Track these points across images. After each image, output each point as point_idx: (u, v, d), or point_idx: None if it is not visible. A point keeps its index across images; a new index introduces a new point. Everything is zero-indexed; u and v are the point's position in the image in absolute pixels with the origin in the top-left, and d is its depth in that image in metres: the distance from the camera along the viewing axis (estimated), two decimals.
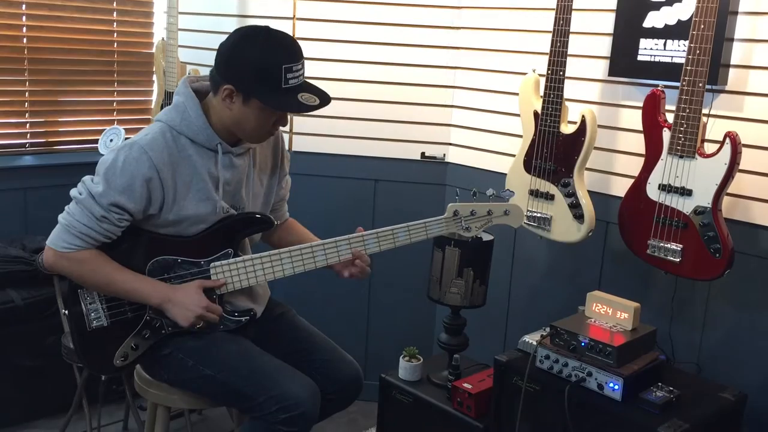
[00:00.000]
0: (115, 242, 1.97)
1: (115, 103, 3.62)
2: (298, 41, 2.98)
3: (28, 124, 3.36)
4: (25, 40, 3.26)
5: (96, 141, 3.50)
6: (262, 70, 1.88)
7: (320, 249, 2.04)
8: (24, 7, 3.25)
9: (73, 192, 1.94)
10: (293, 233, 2.28)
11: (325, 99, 1.96)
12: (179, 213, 1.96)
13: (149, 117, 3.64)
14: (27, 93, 3.32)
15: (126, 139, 3.44)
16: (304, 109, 1.92)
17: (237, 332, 2.08)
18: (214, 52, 2.04)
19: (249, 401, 1.94)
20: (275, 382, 1.94)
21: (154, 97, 3.66)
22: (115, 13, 3.50)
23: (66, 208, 1.95)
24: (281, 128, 2.06)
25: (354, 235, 2.05)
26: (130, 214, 1.92)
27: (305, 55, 3.15)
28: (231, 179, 2.03)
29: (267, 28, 1.94)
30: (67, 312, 2.03)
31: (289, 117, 2.03)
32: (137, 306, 2.01)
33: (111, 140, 3.51)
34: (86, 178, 1.95)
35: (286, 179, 2.28)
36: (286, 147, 2.26)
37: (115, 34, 3.51)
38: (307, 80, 1.97)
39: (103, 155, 2.12)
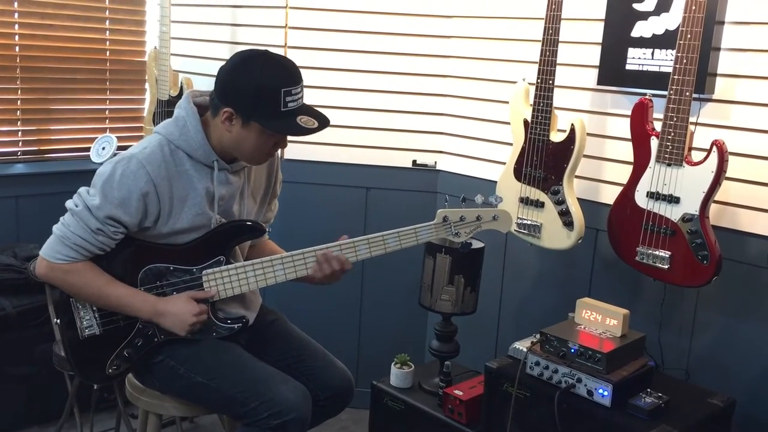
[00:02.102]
0: (108, 251, 1.97)
1: (107, 112, 3.62)
2: (289, 49, 3.01)
3: (20, 132, 3.36)
4: (17, 48, 3.26)
5: (88, 149, 3.51)
6: (261, 94, 1.89)
7: (311, 255, 2.05)
8: (16, 15, 3.25)
9: (69, 203, 1.94)
10: (265, 248, 2.27)
11: (324, 121, 1.97)
12: (173, 226, 1.97)
13: (141, 125, 3.64)
14: (19, 101, 3.33)
15: (118, 147, 3.45)
16: (303, 132, 1.93)
17: (229, 339, 2.08)
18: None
19: (241, 407, 1.94)
20: (267, 387, 1.94)
21: (146, 106, 3.67)
22: (107, 21, 3.51)
23: (61, 219, 1.94)
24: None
25: (345, 241, 2.07)
26: (126, 227, 1.93)
27: (296, 63, 3.16)
28: (225, 195, 2.04)
29: (266, 51, 1.96)
30: (58, 321, 2.02)
31: (288, 139, 2.03)
32: (130, 316, 2.01)
33: (103, 148, 3.51)
34: (82, 190, 1.95)
35: (275, 202, 2.29)
36: (280, 167, 2.26)
37: (108, 43, 3.52)
38: (306, 103, 1.98)
39: (95, 163, 2.12)
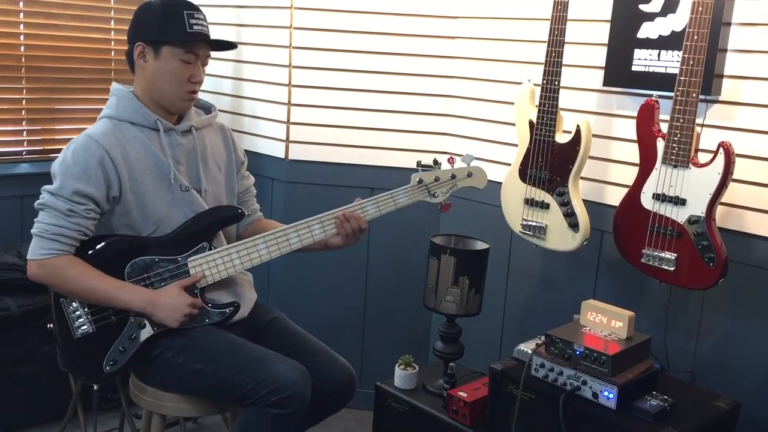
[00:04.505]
0: (92, 248, 2.01)
1: None
2: (294, 50, 3.00)
3: (24, 132, 3.36)
4: (22, 48, 3.27)
5: None
6: (164, 16, 2.02)
7: (293, 231, 2.10)
8: (22, 15, 3.26)
9: (36, 202, 2.00)
10: (269, 229, 2.30)
11: (232, 43, 2.16)
12: (138, 189, 2.02)
13: None
14: (24, 100, 3.33)
15: None
16: (212, 43, 2.09)
17: (225, 330, 2.10)
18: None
19: (240, 389, 1.95)
20: (263, 367, 1.95)
21: None
22: (112, 21, 3.51)
23: (35, 219, 1.99)
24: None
25: (324, 214, 2.12)
26: (95, 202, 1.98)
27: (300, 64, 3.16)
28: (179, 158, 2.10)
29: None
30: (51, 325, 2.04)
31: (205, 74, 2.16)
32: (120, 309, 2.03)
33: None
34: (44, 186, 2.00)
35: (244, 170, 2.34)
36: (234, 138, 2.35)
37: (113, 42, 3.52)
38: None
39: None
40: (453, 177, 2.16)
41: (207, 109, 2.29)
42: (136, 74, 2.10)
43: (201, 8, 2.10)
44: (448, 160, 2.18)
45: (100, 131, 2.02)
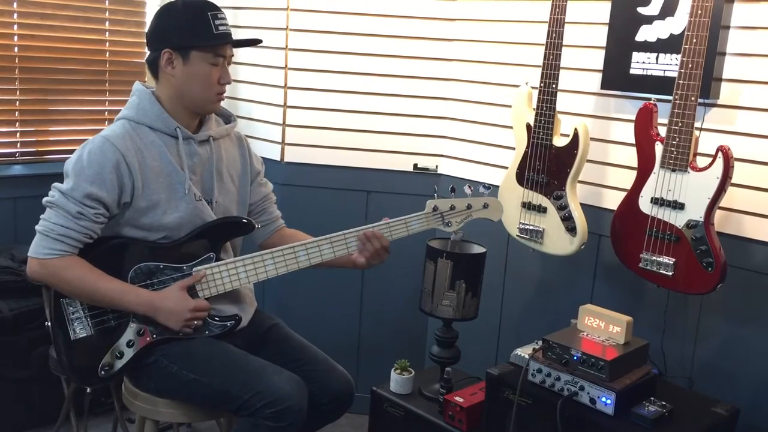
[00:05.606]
0: (97, 251, 1.98)
1: (106, 113, 3.59)
2: (290, 51, 2.99)
3: (18, 134, 3.34)
4: (16, 48, 3.24)
5: None
6: (190, 21, 1.99)
7: (302, 249, 2.07)
8: (15, 15, 3.23)
9: (45, 199, 1.97)
10: (295, 240, 2.27)
11: (257, 39, 2.18)
12: (150, 197, 1.99)
13: None
14: (18, 102, 3.30)
15: None
16: (240, 42, 2.09)
17: (223, 340, 2.07)
18: None
19: (235, 401, 1.93)
20: (259, 379, 1.94)
21: None
22: (107, 22, 3.48)
23: (41, 216, 1.96)
24: (247, 137, 2.19)
25: (335, 234, 2.08)
26: (105, 206, 1.95)
27: (298, 66, 3.15)
28: (195, 168, 2.06)
29: None
30: (50, 323, 2.02)
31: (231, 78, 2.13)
32: (120, 314, 2.01)
33: None
34: (55, 184, 1.98)
35: (260, 178, 2.30)
36: (251, 148, 2.32)
37: (107, 44, 3.50)
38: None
39: None
40: (469, 207, 2.11)
41: (227, 117, 2.24)
42: (160, 80, 2.05)
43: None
44: (467, 188, 2.14)
45: (117, 134, 1.97)
